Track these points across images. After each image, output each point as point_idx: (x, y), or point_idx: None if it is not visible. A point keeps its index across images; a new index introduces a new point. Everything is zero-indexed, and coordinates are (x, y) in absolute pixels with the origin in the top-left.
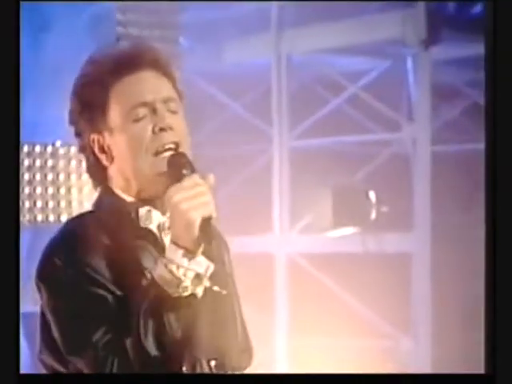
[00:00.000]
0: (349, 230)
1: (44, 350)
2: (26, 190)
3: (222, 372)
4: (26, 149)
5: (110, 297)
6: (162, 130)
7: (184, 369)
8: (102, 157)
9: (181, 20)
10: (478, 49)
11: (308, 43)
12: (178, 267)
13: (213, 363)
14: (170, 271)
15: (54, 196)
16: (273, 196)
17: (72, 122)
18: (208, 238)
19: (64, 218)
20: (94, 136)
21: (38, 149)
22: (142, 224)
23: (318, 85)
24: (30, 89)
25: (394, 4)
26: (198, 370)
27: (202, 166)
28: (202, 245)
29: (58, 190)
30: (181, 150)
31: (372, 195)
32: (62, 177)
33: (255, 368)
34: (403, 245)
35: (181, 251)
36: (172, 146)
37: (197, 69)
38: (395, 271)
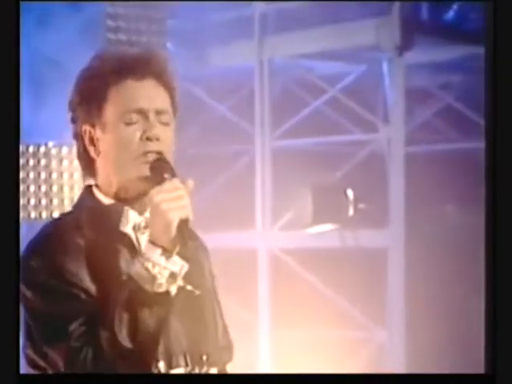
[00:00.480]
0: (327, 227)
1: (26, 343)
2: (21, 188)
3: (199, 367)
4: (20, 149)
5: (83, 295)
6: (148, 139)
7: (161, 363)
8: (91, 149)
9: (168, 26)
10: (450, 53)
11: (289, 49)
12: (154, 265)
13: (189, 358)
14: (146, 269)
15: (46, 194)
16: (255, 194)
17: (70, 109)
18: (184, 239)
19: (56, 215)
20: (86, 127)
21: (31, 149)
22: (121, 227)
23: (298, 88)
24: (25, 94)
25: (370, 11)
26: (175, 365)
27: (189, 165)
28: (178, 245)
29: (51, 188)
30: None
31: (350, 193)
32: (54, 175)
33: (237, 356)
34: (379, 240)
35: (158, 250)
36: (155, 155)
37: (183, 73)
38: (371, 266)
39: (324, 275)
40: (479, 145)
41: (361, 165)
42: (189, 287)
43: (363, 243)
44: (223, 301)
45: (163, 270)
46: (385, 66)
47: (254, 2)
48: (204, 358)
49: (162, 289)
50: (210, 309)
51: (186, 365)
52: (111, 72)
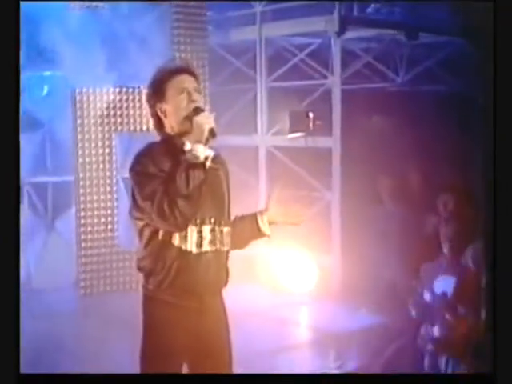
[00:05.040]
0: (298, 134)
1: (132, 207)
2: (125, 120)
3: (217, 226)
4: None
5: (162, 176)
6: (192, 101)
7: (198, 220)
8: (162, 115)
9: (208, 17)
10: (369, 32)
11: (277, 31)
12: (197, 151)
13: (213, 219)
14: (194, 154)
15: (147, 121)
16: (257, 113)
17: (146, 100)
18: (207, 140)
19: None
20: (158, 104)
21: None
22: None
23: (283, 52)
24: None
25: (323, 11)
26: (206, 223)
27: (218, 98)
28: (206, 143)
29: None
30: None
31: (311, 115)
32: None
33: (242, 206)
34: (326, 142)
35: (199, 145)
36: (198, 109)
37: (217, 43)
38: (323, 156)
39: (296, 160)
40: (388, 85)
41: (318, 98)
42: (215, 166)
43: (318, 144)
44: (237, 175)
45: (201, 153)
46: (332, 41)
47: (257, 4)
48: (222, 221)
49: (200, 160)
50: (226, 190)
51: (210, 223)
52: (167, 74)
